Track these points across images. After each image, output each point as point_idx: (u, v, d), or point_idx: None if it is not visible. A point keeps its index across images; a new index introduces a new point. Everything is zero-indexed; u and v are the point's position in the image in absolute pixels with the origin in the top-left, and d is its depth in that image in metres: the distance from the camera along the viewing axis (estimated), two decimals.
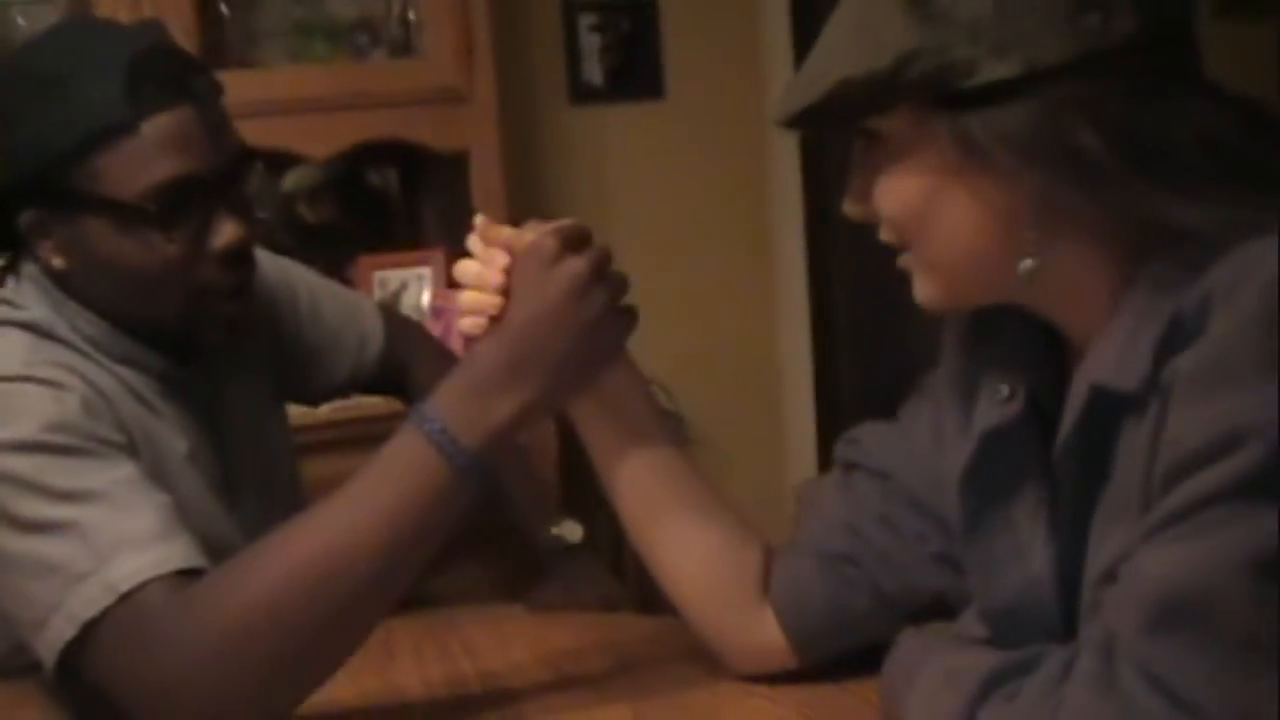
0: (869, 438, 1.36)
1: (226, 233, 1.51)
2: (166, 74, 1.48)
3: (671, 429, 1.40)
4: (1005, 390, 1.15)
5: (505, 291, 1.26)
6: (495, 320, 1.26)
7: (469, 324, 1.27)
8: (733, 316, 3.64)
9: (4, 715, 1.47)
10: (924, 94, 1.03)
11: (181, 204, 1.48)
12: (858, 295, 3.82)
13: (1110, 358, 1.04)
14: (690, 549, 1.36)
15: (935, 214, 1.08)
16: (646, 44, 3.55)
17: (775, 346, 3.70)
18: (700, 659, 1.37)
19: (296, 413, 1.91)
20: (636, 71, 3.55)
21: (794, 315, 3.75)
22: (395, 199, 3.38)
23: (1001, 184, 1.04)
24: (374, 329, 1.98)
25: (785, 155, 3.60)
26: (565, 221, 1.28)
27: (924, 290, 1.14)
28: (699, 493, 1.37)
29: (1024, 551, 1.14)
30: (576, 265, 1.25)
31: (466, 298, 1.28)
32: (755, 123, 3.60)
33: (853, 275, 3.79)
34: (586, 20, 3.48)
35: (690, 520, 1.36)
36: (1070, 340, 1.13)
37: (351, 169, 3.22)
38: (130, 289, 1.52)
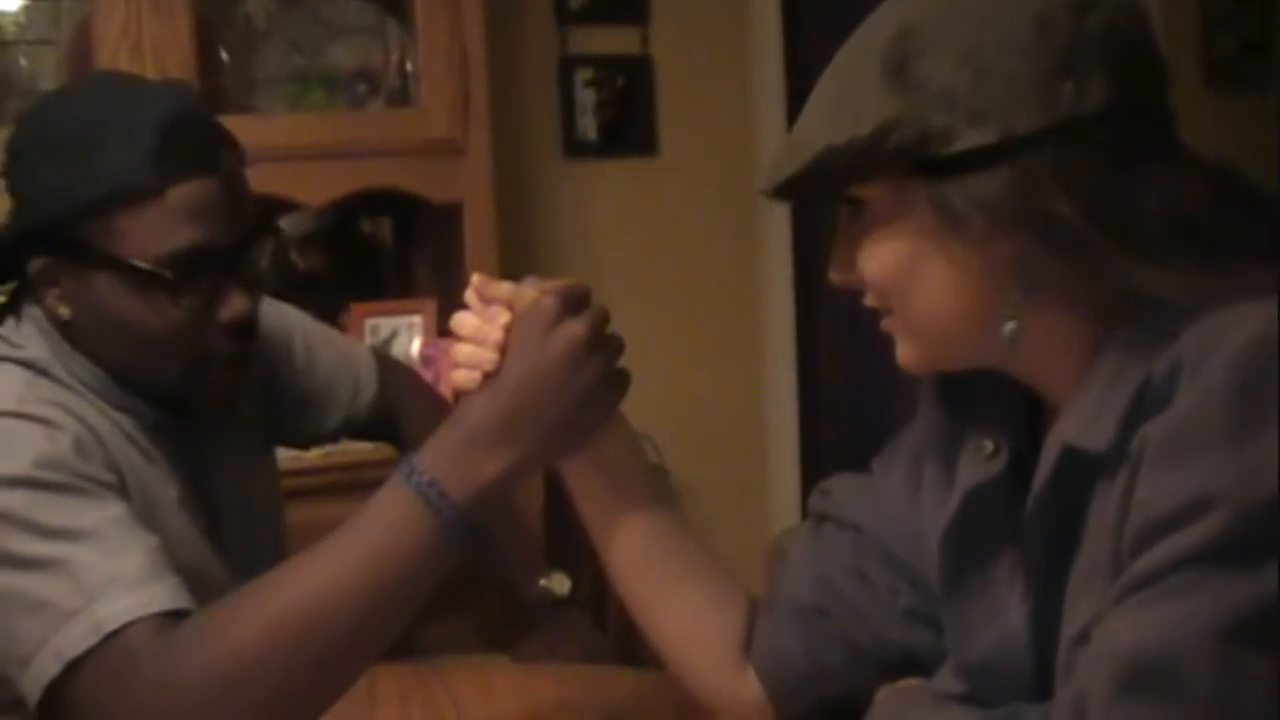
0: (842, 489, 1.37)
1: (234, 305, 1.52)
2: (197, 143, 1.49)
3: (661, 487, 1.40)
4: (990, 446, 1.17)
5: (502, 348, 1.26)
6: (489, 376, 1.26)
7: (463, 377, 1.27)
8: (720, 372, 3.65)
9: None
10: (904, 162, 1.06)
11: (195, 272, 1.49)
12: (844, 353, 3.84)
13: (1082, 420, 1.05)
14: (677, 609, 1.37)
15: (915, 278, 1.11)
16: (641, 101, 3.57)
17: (762, 402, 3.71)
18: (685, 713, 1.38)
19: (285, 456, 1.91)
20: (630, 128, 3.57)
21: (781, 372, 3.76)
22: (387, 248, 3.39)
23: (979, 249, 1.06)
24: (368, 376, 1.99)
25: (775, 214, 3.62)
26: (565, 281, 1.28)
27: (906, 353, 1.16)
28: (686, 552, 1.37)
29: (1001, 608, 1.15)
30: (576, 329, 1.25)
31: (463, 351, 1.28)
32: (746, 181, 3.62)
33: (840, 334, 3.82)
34: (583, 75, 3.50)
35: (677, 580, 1.37)
36: (1046, 402, 1.15)
37: (343, 217, 3.23)
38: (132, 347, 1.53)
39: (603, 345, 1.26)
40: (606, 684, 1.58)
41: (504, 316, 1.27)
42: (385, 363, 2.07)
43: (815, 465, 3.74)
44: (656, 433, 3.47)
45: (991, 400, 1.18)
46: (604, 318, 1.27)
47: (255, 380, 1.78)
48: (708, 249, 3.63)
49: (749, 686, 1.34)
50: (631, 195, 3.59)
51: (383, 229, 3.39)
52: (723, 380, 3.67)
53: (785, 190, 1.13)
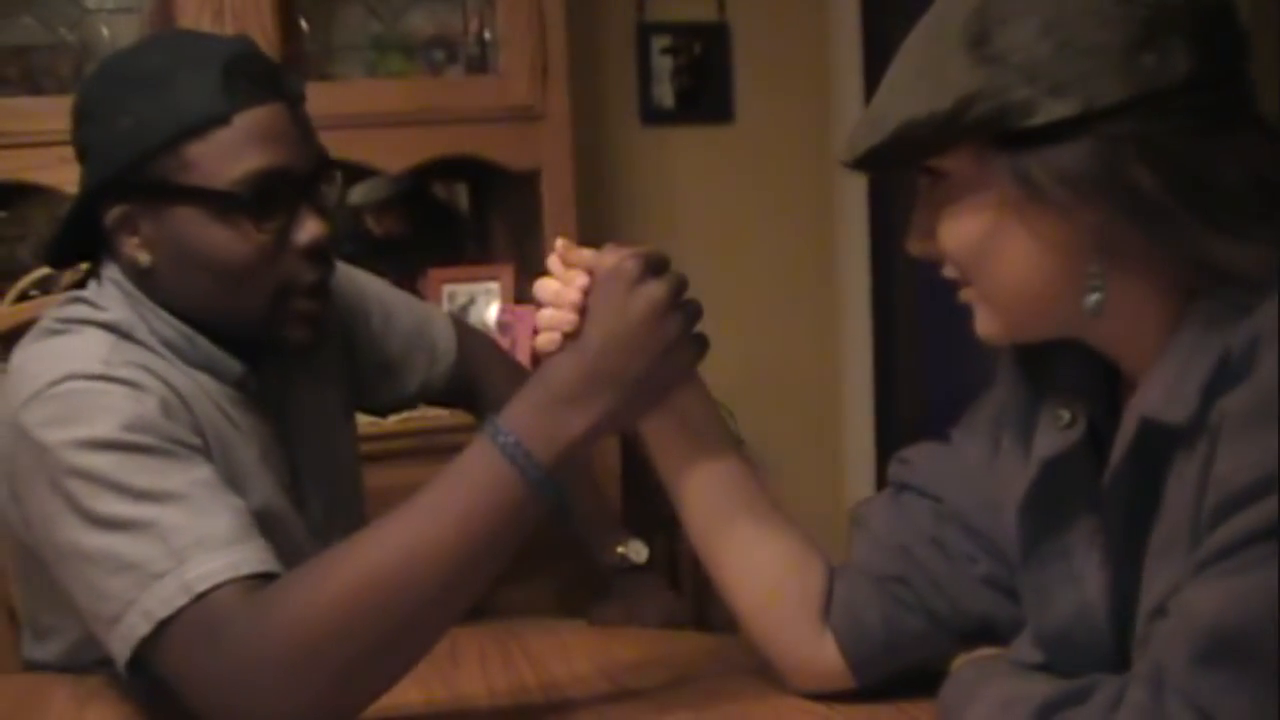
0: (921, 458, 1.37)
1: (310, 228, 1.54)
2: (260, 73, 1.53)
3: (738, 448, 1.41)
4: (1067, 416, 1.17)
5: (582, 311, 1.28)
6: (570, 338, 1.28)
7: (545, 340, 1.29)
8: (796, 341, 3.66)
9: (73, 710, 1.49)
10: (985, 134, 1.06)
11: (270, 194, 1.51)
12: (920, 322, 3.83)
13: (1161, 392, 1.05)
14: (755, 565, 1.37)
15: (996, 250, 1.10)
16: (717, 68, 3.57)
17: (838, 371, 3.71)
18: (760, 676, 1.39)
19: (362, 421, 1.92)
20: (706, 95, 3.57)
21: (857, 341, 3.76)
22: (461, 214, 3.41)
23: (1060, 220, 1.06)
24: (446, 342, 2.00)
25: (852, 182, 3.61)
26: (645, 247, 1.30)
27: (985, 324, 1.16)
28: (765, 509, 1.38)
29: (1079, 578, 1.15)
30: (657, 289, 1.27)
31: (544, 315, 1.29)
32: (823, 149, 3.61)
33: (915, 299, 3.80)
34: (659, 42, 3.51)
35: (756, 536, 1.37)
36: (1123, 372, 1.15)
37: (418, 183, 3.25)
38: (217, 282, 1.54)
39: (682, 307, 1.28)
40: (682, 647, 1.58)
41: (582, 279, 1.29)
42: (462, 329, 2.08)
43: (890, 434, 3.74)
44: (732, 400, 3.49)
45: (1068, 370, 1.18)
46: (683, 282, 1.29)
47: (334, 343, 1.80)
48: (784, 216, 3.63)
49: (826, 651, 1.34)
50: (707, 162, 3.59)
51: (459, 195, 3.40)
52: (798, 349, 3.67)
53: (865, 162, 1.13)
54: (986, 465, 1.29)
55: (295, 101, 1.56)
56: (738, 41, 3.58)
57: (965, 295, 1.16)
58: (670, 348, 1.27)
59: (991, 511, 1.27)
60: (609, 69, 3.48)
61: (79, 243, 1.60)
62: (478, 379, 2.03)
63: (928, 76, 1.07)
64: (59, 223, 1.60)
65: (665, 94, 3.53)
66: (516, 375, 2.02)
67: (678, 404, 1.34)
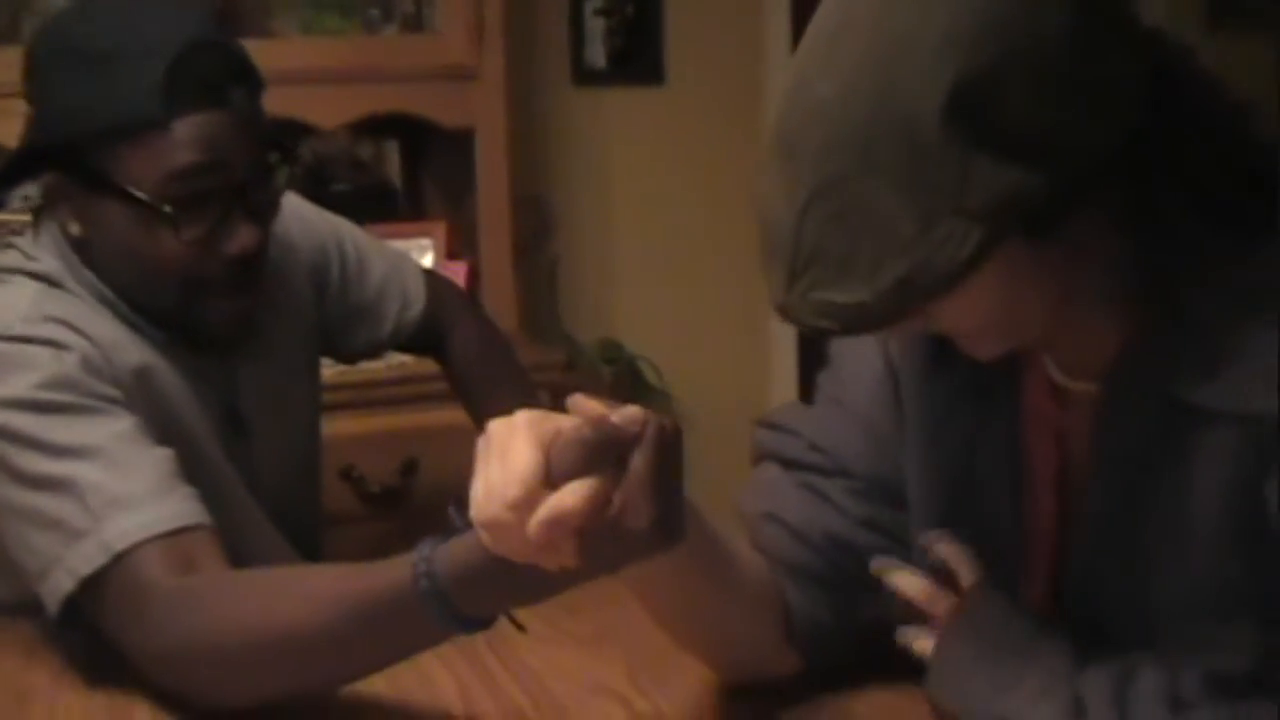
0: (808, 427, 1.33)
1: (241, 238, 1.52)
2: (209, 75, 1.48)
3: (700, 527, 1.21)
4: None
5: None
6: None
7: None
8: (724, 299, 3.69)
9: (20, 659, 1.52)
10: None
11: (198, 206, 1.49)
12: None
13: (1193, 372, 1.05)
14: (725, 639, 1.32)
15: (1014, 307, 1.07)
16: (649, 29, 3.59)
17: (764, 328, 3.76)
18: None
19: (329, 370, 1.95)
20: (639, 56, 3.59)
21: None
22: (393, 172, 3.40)
23: (1065, 261, 1.06)
24: (416, 289, 1.98)
25: None
26: (599, 417, 1.02)
27: (989, 351, 1.13)
28: (723, 579, 1.27)
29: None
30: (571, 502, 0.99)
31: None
32: (753, 109, 3.63)
33: None
34: (592, 4, 3.52)
35: (719, 615, 1.29)
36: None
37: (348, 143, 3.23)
38: (134, 273, 1.54)
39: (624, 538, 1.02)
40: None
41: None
42: (431, 275, 2.07)
43: (813, 392, 3.77)
44: (661, 358, 3.55)
45: None
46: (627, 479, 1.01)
47: (302, 287, 1.80)
48: (714, 177, 3.65)
49: (791, 659, 1.33)
50: (640, 123, 3.61)
51: (390, 152, 3.38)
52: (726, 307, 3.70)
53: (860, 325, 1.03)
54: (889, 421, 1.28)
55: (240, 107, 1.51)
56: (669, 4, 3.60)
57: (963, 344, 1.13)
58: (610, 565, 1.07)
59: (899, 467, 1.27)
60: (541, 29, 3.48)
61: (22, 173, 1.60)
62: (446, 327, 2.02)
63: (924, 236, 0.98)
64: (4, 161, 1.60)
65: (598, 55, 3.54)
66: (484, 324, 2.06)
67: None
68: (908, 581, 1.20)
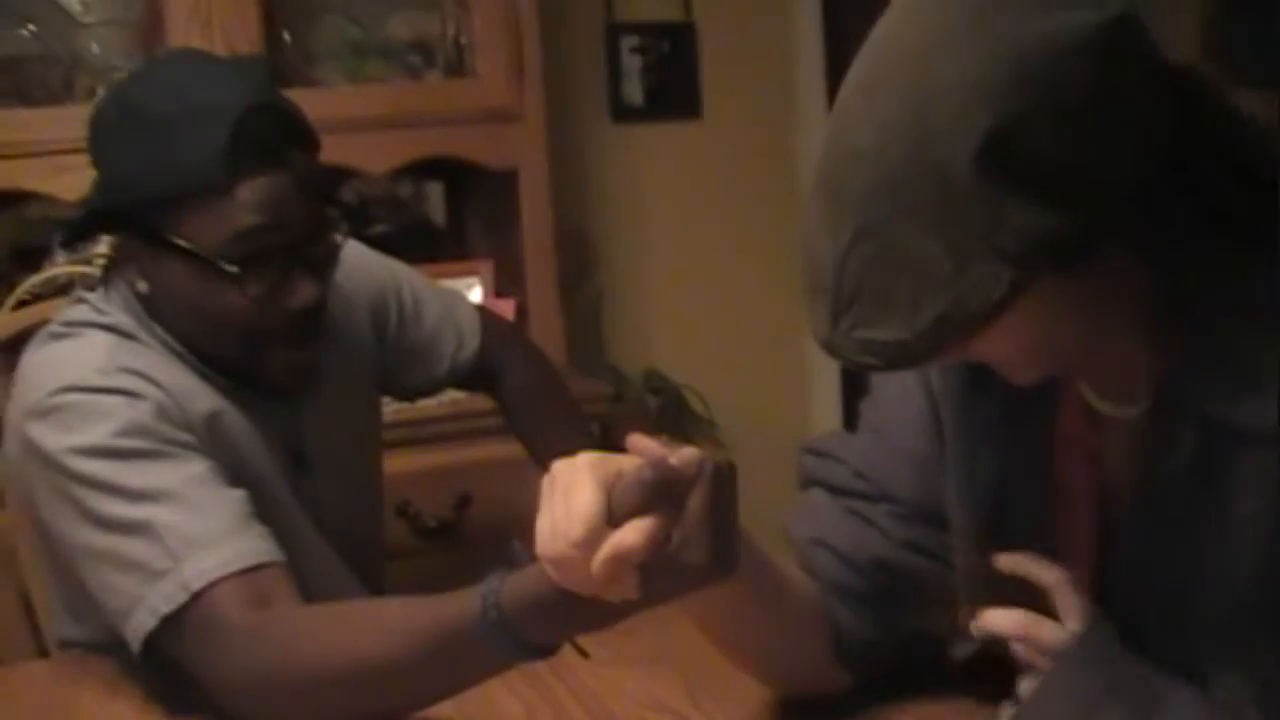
0: (852, 456, 1.37)
1: (302, 293, 1.57)
2: (268, 138, 1.52)
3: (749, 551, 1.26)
4: None
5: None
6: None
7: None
8: (763, 331, 3.72)
9: (104, 694, 1.58)
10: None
11: (260, 264, 1.53)
12: None
13: (1228, 391, 1.06)
14: (776, 653, 1.37)
15: (1051, 340, 1.09)
16: (685, 65, 3.64)
17: (804, 360, 3.79)
18: None
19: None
20: (675, 91, 3.64)
21: None
22: (437, 214, 3.44)
23: (1097, 290, 1.07)
24: (470, 328, 2.02)
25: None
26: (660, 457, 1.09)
27: (1028, 378, 1.14)
28: (774, 599, 1.33)
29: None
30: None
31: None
32: (787, 142, 3.68)
33: None
34: (628, 42, 3.57)
35: (769, 630, 1.34)
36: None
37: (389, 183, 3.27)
38: (200, 327, 1.59)
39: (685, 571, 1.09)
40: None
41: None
42: (485, 313, 2.10)
43: (855, 420, 3.77)
44: (702, 388, 3.59)
45: None
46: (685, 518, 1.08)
47: (363, 329, 1.84)
48: (751, 207, 3.69)
49: (840, 675, 1.38)
50: (676, 156, 3.65)
51: (434, 195, 3.43)
52: (766, 338, 3.74)
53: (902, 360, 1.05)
54: (930, 449, 1.30)
55: (299, 166, 1.55)
56: (704, 39, 3.64)
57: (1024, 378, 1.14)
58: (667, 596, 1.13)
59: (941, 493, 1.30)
60: (580, 69, 3.53)
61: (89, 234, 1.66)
62: (499, 362, 2.05)
63: (962, 273, 1.00)
64: (71, 223, 1.65)
65: (635, 92, 3.60)
66: (537, 360, 2.10)
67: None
68: (1001, 618, 1.18)
